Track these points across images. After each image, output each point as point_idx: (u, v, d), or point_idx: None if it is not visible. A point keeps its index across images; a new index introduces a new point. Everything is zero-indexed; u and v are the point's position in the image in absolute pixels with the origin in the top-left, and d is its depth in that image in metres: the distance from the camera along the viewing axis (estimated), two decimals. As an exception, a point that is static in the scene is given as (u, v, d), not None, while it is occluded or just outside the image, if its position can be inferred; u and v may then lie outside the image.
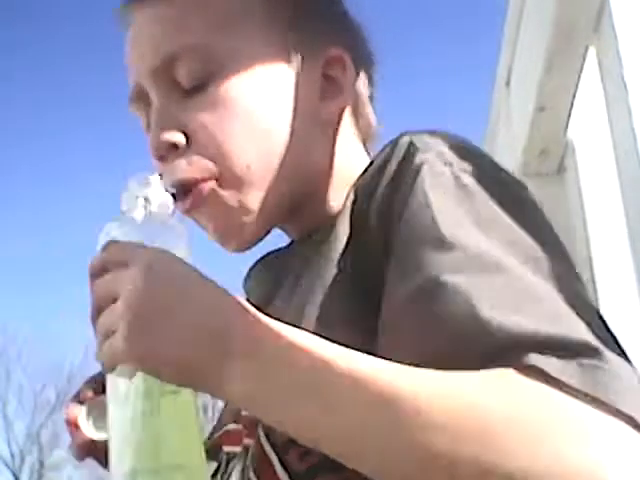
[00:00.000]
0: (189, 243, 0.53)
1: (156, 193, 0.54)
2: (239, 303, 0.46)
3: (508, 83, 1.71)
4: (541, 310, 0.42)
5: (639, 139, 0.94)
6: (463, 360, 0.41)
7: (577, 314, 0.42)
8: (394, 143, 0.55)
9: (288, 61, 0.61)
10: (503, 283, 0.44)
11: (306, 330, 0.50)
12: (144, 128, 0.64)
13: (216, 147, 0.58)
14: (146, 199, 0.53)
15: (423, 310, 0.45)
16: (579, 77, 1.28)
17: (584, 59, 1.22)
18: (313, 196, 0.63)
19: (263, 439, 0.54)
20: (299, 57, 0.62)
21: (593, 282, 1.35)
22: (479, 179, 0.50)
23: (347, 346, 0.46)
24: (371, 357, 0.43)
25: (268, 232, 0.64)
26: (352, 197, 0.57)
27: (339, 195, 0.61)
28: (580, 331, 0.41)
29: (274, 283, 0.63)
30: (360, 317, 0.50)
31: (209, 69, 0.59)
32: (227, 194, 0.59)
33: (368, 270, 0.52)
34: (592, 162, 1.39)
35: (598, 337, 0.41)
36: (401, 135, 0.55)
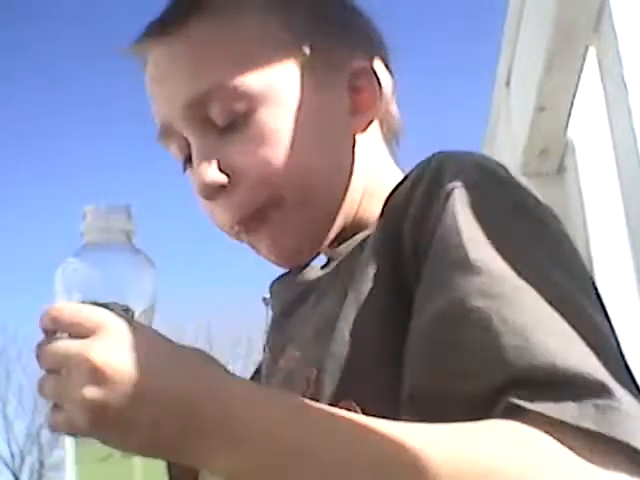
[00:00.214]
0: (154, 274, 0.50)
1: (118, 223, 0.50)
2: (209, 374, 0.43)
3: (508, 83, 1.71)
4: (558, 342, 0.42)
5: (639, 139, 0.94)
6: (473, 389, 0.41)
7: (595, 349, 0.42)
8: (427, 163, 0.55)
9: (315, 83, 0.61)
10: (524, 310, 0.43)
11: (337, 345, 0.51)
12: (177, 158, 0.64)
13: (264, 181, 0.59)
14: (108, 230, 0.49)
15: (442, 335, 0.45)
16: (579, 77, 1.28)
17: (584, 59, 1.22)
18: (350, 211, 0.63)
19: None
20: (325, 77, 0.62)
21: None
22: (508, 205, 0.51)
23: (379, 364, 0.47)
24: (363, 417, 0.43)
25: (319, 251, 0.64)
26: (384, 213, 0.57)
27: (371, 209, 0.61)
28: (596, 369, 0.41)
29: (298, 297, 0.63)
30: (392, 335, 0.50)
31: (241, 105, 0.59)
32: (281, 221, 0.60)
33: (400, 288, 0.52)
34: (592, 162, 1.39)
35: (615, 376, 0.41)
36: (434, 156, 0.55)
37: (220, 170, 0.59)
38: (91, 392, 0.40)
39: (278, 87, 0.60)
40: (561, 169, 1.52)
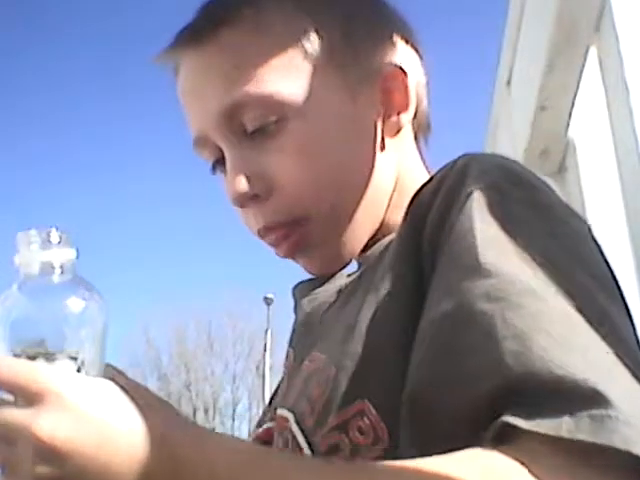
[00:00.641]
0: (102, 305, 0.45)
1: (60, 252, 0.45)
2: (167, 441, 0.39)
3: (509, 83, 1.71)
4: (558, 348, 0.40)
5: (640, 139, 0.93)
6: (471, 394, 0.41)
7: (611, 353, 0.41)
8: (452, 165, 0.54)
9: (348, 91, 0.61)
10: (528, 313, 0.42)
11: (354, 345, 0.51)
12: (208, 161, 0.64)
13: (300, 192, 0.59)
14: (47, 262, 0.44)
15: (445, 338, 0.44)
16: (580, 77, 1.28)
17: (585, 59, 1.22)
18: (380, 217, 0.63)
19: (294, 427, 0.54)
20: (358, 84, 0.62)
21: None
22: (528, 205, 0.49)
23: (394, 366, 0.47)
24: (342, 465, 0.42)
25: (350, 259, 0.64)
26: (407, 215, 0.56)
27: (400, 212, 0.60)
28: (595, 376, 0.39)
29: (326, 306, 0.63)
30: (407, 337, 0.49)
31: (275, 115, 0.59)
32: (318, 233, 0.61)
33: (419, 291, 0.51)
34: (593, 161, 1.39)
35: (624, 381, 0.40)
36: (460, 158, 0.55)
37: (254, 180, 0.60)
38: (40, 469, 0.37)
39: (311, 96, 0.60)
40: (562, 169, 1.52)
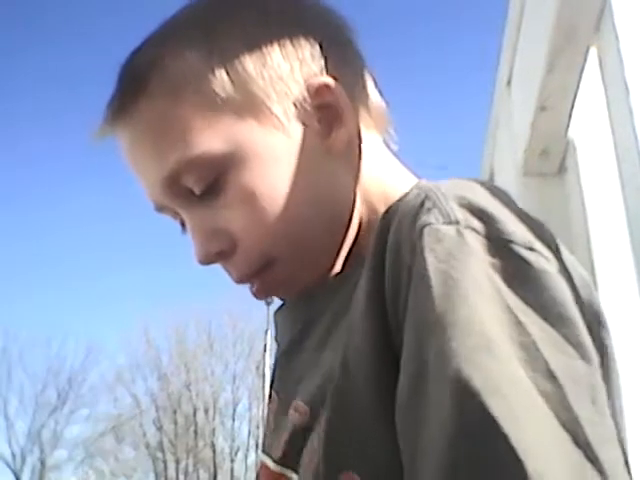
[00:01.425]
0: None
1: None
2: None
3: (509, 83, 1.70)
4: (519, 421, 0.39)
5: (640, 139, 0.93)
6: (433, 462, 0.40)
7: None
8: (406, 197, 0.53)
9: (277, 125, 0.60)
10: (487, 368, 0.41)
11: (334, 416, 0.50)
12: (180, 228, 0.65)
13: (259, 240, 0.59)
14: None
15: (409, 409, 0.44)
16: (580, 77, 1.28)
17: (585, 59, 1.22)
18: (352, 236, 0.63)
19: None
20: (287, 113, 0.60)
21: (594, 283, 1.35)
22: (487, 240, 0.47)
23: (374, 435, 0.46)
24: None
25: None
26: (372, 242, 0.55)
27: (368, 230, 0.60)
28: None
29: (302, 332, 0.62)
30: (384, 403, 0.48)
31: (213, 174, 0.58)
32: (287, 272, 0.61)
33: (389, 352, 0.49)
34: (593, 162, 1.39)
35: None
36: (415, 187, 0.54)
37: (215, 238, 0.60)
38: None
39: (240, 144, 0.59)
40: (562, 169, 1.52)
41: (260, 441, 0.69)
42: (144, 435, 23.80)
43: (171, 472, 23.73)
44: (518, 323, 0.43)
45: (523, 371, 0.41)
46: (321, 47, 0.63)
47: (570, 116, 1.39)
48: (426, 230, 0.47)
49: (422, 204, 0.50)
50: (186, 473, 23.87)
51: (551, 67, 1.25)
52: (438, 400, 0.41)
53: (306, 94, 0.60)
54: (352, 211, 0.62)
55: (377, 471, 0.48)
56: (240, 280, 0.62)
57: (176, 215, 0.63)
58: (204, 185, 0.59)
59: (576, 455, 0.39)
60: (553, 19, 1.17)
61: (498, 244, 0.47)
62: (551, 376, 0.41)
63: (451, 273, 0.45)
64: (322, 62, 0.62)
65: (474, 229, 0.47)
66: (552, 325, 0.44)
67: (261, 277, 0.61)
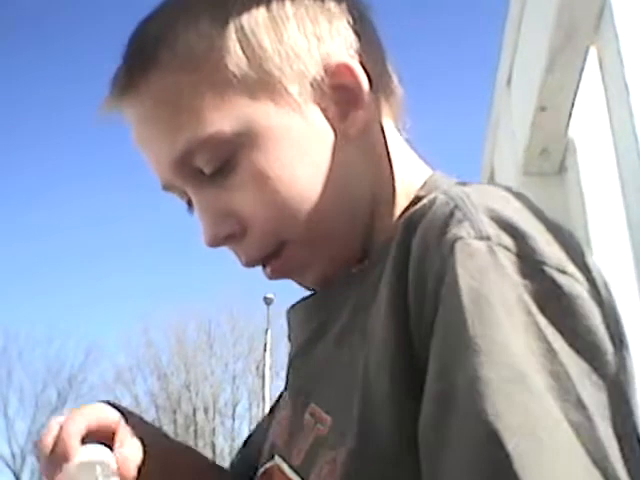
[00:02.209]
0: None
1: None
2: None
3: (509, 82, 1.70)
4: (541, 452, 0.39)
5: (640, 139, 0.93)
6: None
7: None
8: (434, 200, 0.51)
9: (292, 105, 0.57)
10: (519, 403, 0.40)
11: (358, 429, 0.48)
12: (187, 208, 0.63)
13: (271, 222, 0.57)
14: None
15: (435, 424, 0.43)
16: (580, 77, 1.28)
17: (585, 59, 1.22)
18: (365, 222, 0.60)
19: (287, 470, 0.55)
20: (304, 94, 0.57)
21: (594, 282, 1.34)
22: (518, 260, 0.45)
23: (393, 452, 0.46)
24: None
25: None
26: (396, 255, 0.52)
27: (389, 212, 0.59)
28: None
29: (317, 329, 0.61)
30: (404, 414, 0.47)
31: (225, 154, 0.56)
32: (299, 255, 0.59)
33: (410, 341, 0.48)
34: (593, 162, 1.39)
35: None
36: (442, 192, 0.51)
37: (224, 220, 0.58)
38: None
39: (254, 125, 0.56)
40: (562, 169, 1.52)
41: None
42: (144, 435, 23.66)
43: (171, 472, 23.64)
44: (550, 350, 0.42)
45: (554, 401, 0.41)
46: (343, 25, 0.60)
47: (570, 116, 1.39)
48: (458, 245, 0.46)
49: (452, 214, 0.48)
50: (186, 473, 23.79)
51: (551, 67, 1.25)
52: (465, 431, 0.41)
53: (324, 74, 0.58)
54: (365, 198, 0.60)
55: None
56: (248, 264, 0.60)
57: (183, 194, 0.61)
58: (215, 165, 0.57)
59: None
60: (553, 19, 1.17)
61: (530, 265, 0.45)
62: (582, 407, 0.41)
63: (483, 292, 0.44)
64: (343, 41, 0.60)
65: (505, 247, 0.46)
66: (582, 355, 0.43)
67: (271, 262, 0.59)
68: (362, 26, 0.62)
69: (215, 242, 0.59)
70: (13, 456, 21.37)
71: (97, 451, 0.58)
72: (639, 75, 0.97)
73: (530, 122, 1.42)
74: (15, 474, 21.02)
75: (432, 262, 0.47)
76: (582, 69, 1.25)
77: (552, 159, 1.50)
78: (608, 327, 0.46)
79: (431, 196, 0.53)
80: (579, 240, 0.52)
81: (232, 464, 0.78)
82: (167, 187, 0.62)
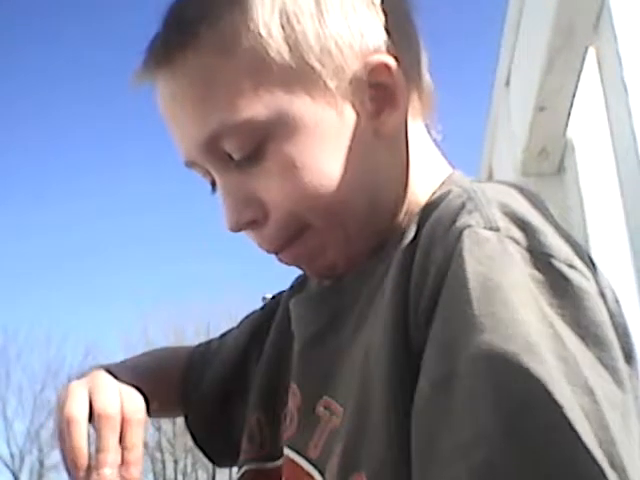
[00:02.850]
0: None
1: None
2: None
3: (508, 83, 1.70)
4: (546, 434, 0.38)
5: (639, 140, 0.93)
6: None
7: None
8: (448, 193, 0.51)
9: (331, 97, 0.57)
10: (523, 380, 0.39)
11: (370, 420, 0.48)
12: (210, 188, 0.62)
13: (290, 216, 0.57)
14: None
15: (428, 413, 0.43)
16: (579, 77, 1.28)
17: (584, 59, 1.22)
18: (384, 220, 0.60)
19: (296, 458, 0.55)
20: (341, 87, 0.57)
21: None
22: (527, 252, 0.45)
23: (387, 437, 0.46)
24: None
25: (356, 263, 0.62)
26: (408, 237, 0.53)
27: (406, 212, 0.58)
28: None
29: (329, 322, 0.60)
30: (400, 406, 0.47)
31: (255, 141, 0.56)
32: (317, 242, 0.59)
33: (407, 325, 0.48)
34: (592, 162, 1.39)
35: None
36: (457, 185, 0.52)
37: (248, 206, 0.58)
38: None
39: (288, 116, 0.56)
40: (561, 169, 1.52)
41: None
42: (143, 435, 23.68)
43: (169, 472, 23.72)
44: (558, 336, 0.42)
45: (565, 384, 0.40)
46: (385, 19, 0.59)
47: (569, 116, 1.39)
48: (466, 232, 0.46)
49: (463, 205, 0.48)
50: (184, 473, 23.86)
51: (550, 67, 1.25)
52: (471, 403, 0.40)
53: (363, 70, 0.57)
54: (388, 196, 0.60)
55: (383, 470, 0.47)
56: (269, 250, 0.60)
57: (207, 174, 0.61)
58: (244, 152, 0.56)
59: (613, 478, 0.38)
60: (552, 19, 1.17)
61: (539, 258, 0.45)
62: (590, 392, 0.40)
63: (491, 276, 0.43)
64: (383, 35, 0.59)
65: (515, 239, 0.46)
66: (588, 346, 0.43)
67: (289, 249, 0.59)
68: (404, 21, 0.62)
69: (237, 227, 0.59)
70: (12, 456, 21.36)
71: None
72: (638, 76, 0.97)
73: (529, 122, 1.42)
74: (14, 474, 21.00)
75: (437, 249, 0.47)
76: (581, 70, 1.26)
77: (551, 159, 1.51)
78: (614, 324, 0.46)
79: (445, 189, 0.53)
80: (584, 248, 0.53)
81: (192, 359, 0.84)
82: (190, 165, 0.61)
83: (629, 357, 0.48)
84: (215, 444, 0.80)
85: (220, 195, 0.60)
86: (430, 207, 0.53)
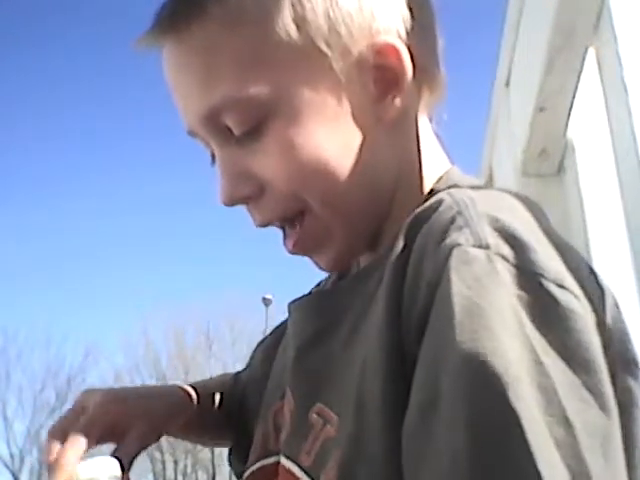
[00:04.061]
0: None
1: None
2: None
3: (508, 83, 1.70)
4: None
5: (639, 140, 0.93)
6: None
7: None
8: (439, 203, 0.51)
9: (334, 79, 0.57)
10: (498, 414, 0.39)
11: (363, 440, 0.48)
12: (210, 159, 0.62)
13: (287, 194, 0.57)
14: None
15: (414, 439, 0.43)
16: (579, 78, 1.28)
17: (584, 60, 1.22)
18: (384, 209, 0.60)
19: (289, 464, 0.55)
20: (346, 69, 0.57)
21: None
22: (516, 270, 0.45)
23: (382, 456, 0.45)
24: None
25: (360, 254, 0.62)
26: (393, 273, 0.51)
27: (408, 204, 0.57)
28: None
29: (325, 326, 0.60)
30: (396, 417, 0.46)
31: (256, 118, 0.56)
32: (319, 226, 0.58)
33: (401, 343, 0.48)
34: (592, 162, 1.39)
35: None
36: (449, 195, 0.51)
37: (243, 181, 0.58)
38: None
39: (292, 95, 0.56)
40: (561, 169, 1.52)
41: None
42: (143, 435, 23.64)
43: (169, 472, 23.71)
44: (539, 363, 0.41)
45: (539, 415, 0.39)
46: (399, 4, 0.59)
47: (569, 117, 1.39)
48: (455, 251, 0.45)
49: (453, 220, 0.48)
50: (185, 474, 23.86)
51: (550, 68, 1.25)
52: (448, 436, 0.40)
53: (370, 51, 0.57)
54: (387, 183, 0.60)
55: None
56: (262, 224, 0.60)
57: (208, 145, 0.61)
58: (244, 127, 0.56)
59: None
60: (552, 20, 1.17)
61: (528, 277, 0.45)
62: (567, 423, 0.40)
63: (477, 301, 0.43)
64: (395, 20, 0.58)
65: (504, 257, 0.45)
66: (573, 370, 0.42)
67: (288, 231, 0.59)
68: (422, 12, 0.61)
69: (230, 201, 0.59)
70: (12, 457, 21.36)
71: (99, 465, 0.58)
72: (638, 76, 0.97)
73: (529, 123, 1.42)
74: (14, 474, 21.00)
75: (427, 266, 0.47)
76: (581, 70, 1.26)
77: (551, 160, 1.51)
78: (607, 347, 0.45)
79: (438, 197, 0.52)
80: (587, 260, 0.52)
81: (224, 395, 0.84)
82: (192, 134, 0.61)
83: (631, 364, 0.47)
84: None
85: (217, 168, 0.60)
86: (422, 216, 0.52)
